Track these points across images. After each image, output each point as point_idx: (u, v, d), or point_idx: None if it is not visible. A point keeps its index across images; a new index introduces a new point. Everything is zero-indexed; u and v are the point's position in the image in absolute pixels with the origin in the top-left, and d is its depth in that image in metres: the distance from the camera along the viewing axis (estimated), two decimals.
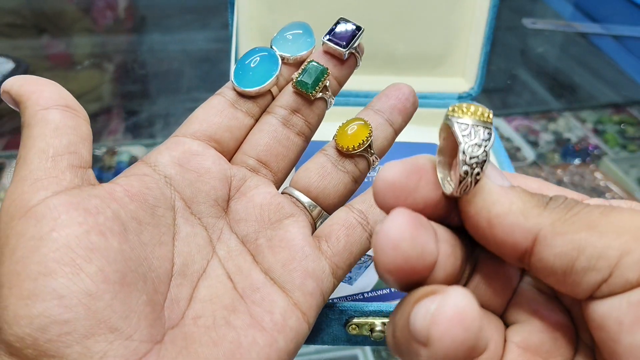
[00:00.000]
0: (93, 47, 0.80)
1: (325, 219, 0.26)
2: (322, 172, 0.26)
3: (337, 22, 0.27)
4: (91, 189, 0.21)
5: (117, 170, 0.59)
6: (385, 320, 0.34)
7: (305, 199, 0.26)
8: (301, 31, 0.28)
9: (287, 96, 0.27)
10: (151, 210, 0.22)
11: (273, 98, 0.27)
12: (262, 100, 0.27)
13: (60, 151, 0.21)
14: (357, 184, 0.27)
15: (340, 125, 0.27)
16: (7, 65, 0.69)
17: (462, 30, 0.54)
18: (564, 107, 0.74)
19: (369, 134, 0.26)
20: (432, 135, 0.54)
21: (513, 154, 0.66)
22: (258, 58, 0.27)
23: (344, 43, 0.26)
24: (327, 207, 0.26)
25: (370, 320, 0.30)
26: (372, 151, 0.26)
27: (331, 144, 0.27)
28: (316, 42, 0.28)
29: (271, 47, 0.27)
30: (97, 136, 0.64)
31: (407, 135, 0.58)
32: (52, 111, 0.21)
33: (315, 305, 0.23)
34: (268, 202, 0.25)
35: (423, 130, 0.57)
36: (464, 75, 0.53)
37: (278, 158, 0.26)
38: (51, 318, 0.17)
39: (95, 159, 0.60)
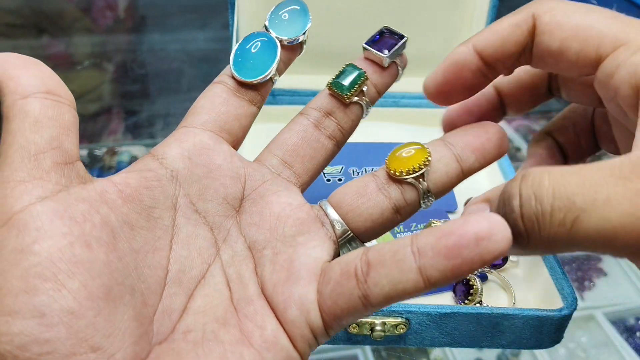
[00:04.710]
0: (93, 47, 0.80)
1: (354, 242, 0.24)
2: (361, 190, 0.24)
3: (381, 31, 0.26)
4: (80, 190, 0.20)
5: (117, 171, 0.59)
6: (386, 319, 0.34)
7: (334, 216, 0.23)
8: (298, 7, 0.26)
9: (321, 98, 0.26)
10: (146, 212, 0.21)
11: (273, 83, 0.26)
12: (263, 88, 0.26)
13: (42, 148, 0.19)
14: (399, 215, 0.24)
15: (395, 148, 0.25)
16: None
17: (462, 30, 0.54)
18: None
19: (425, 160, 0.23)
20: (431, 136, 0.54)
21: (513, 154, 0.66)
22: (259, 43, 0.25)
23: (385, 50, 0.25)
24: (357, 230, 0.23)
25: (370, 320, 0.30)
26: (424, 182, 0.23)
27: (383, 167, 0.24)
28: (311, 22, 0.26)
29: (267, 29, 0.26)
30: (97, 136, 0.64)
31: (406, 135, 0.58)
32: (31, 101, 0.19)
33: (299, 336, 0.21)
34: (287, 215, 0.23)
35: (423, 130, 0.57)
36: None
37: (304, 159, 0.25)
38: (31, 337, 0.16)
39: (95, 159, 0.60)
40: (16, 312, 0.17)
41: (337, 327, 0.21)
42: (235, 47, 0.26)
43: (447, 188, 0.24)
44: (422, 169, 0.23)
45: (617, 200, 0.16)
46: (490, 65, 0.23)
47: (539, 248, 0.18)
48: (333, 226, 0.23)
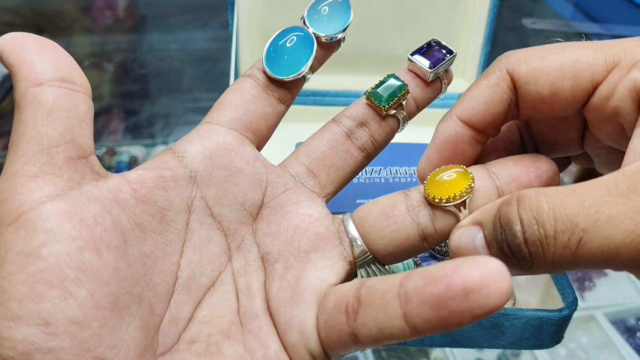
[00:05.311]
0: (93, 46, 0.80)
1: (373, 264, 0.22)
2: (388, 211, 0.22)
3: (429, 43, 0.25)
4: (93, 188, 0.19)
5: (116, 171, 0.59)
6: None
7: (354, 234, 0.22)
8: (339, 0, 0.25)
9: (357, 107, 0.24)
10: (160, 214, 0.20)
11: (305, 81, 0.25)
12: (295, 86, 0.24)
13: (55, 141, 0.18)
14: (426, 243, 0.22)
15: (435, 171, 0.23)
16: None
17: (462, 30, 0.54)
18: None
19: (468, 187, 0.21)
20: (431, 136, 0.54)
21: None
22: (294, 38, 0.24)
23: (431, 64, 0.24)
24: (377, 253, 0.22)
25: None
26: (465, 210, 0.21)
27: (419, 188, 0.23)
28: (352, 17, 0.24)
29: (304, 23, 0.24)
30: (97, 136, 0.64)
31: (406, 136, 0.58)
32: (45, 89, 0.18)
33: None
34: (305, 228, 0.22)
35: (422, 131, 0.57)
36: (464, 75, 0.53)
37: (331, 170, 0.24)
38: (34, 345, 0.16)
39: None
40: (20, 317, 0.16)
41: (336, 356, 0.20)
42: (269, 40, 0.25)
43: None
44: (464, 196, 0.21)
45: (618, 219, 0.16)
46: (482, 131, 0.23)
47: (541, 270, 0.17)
48: (352, 245, 0.22)
